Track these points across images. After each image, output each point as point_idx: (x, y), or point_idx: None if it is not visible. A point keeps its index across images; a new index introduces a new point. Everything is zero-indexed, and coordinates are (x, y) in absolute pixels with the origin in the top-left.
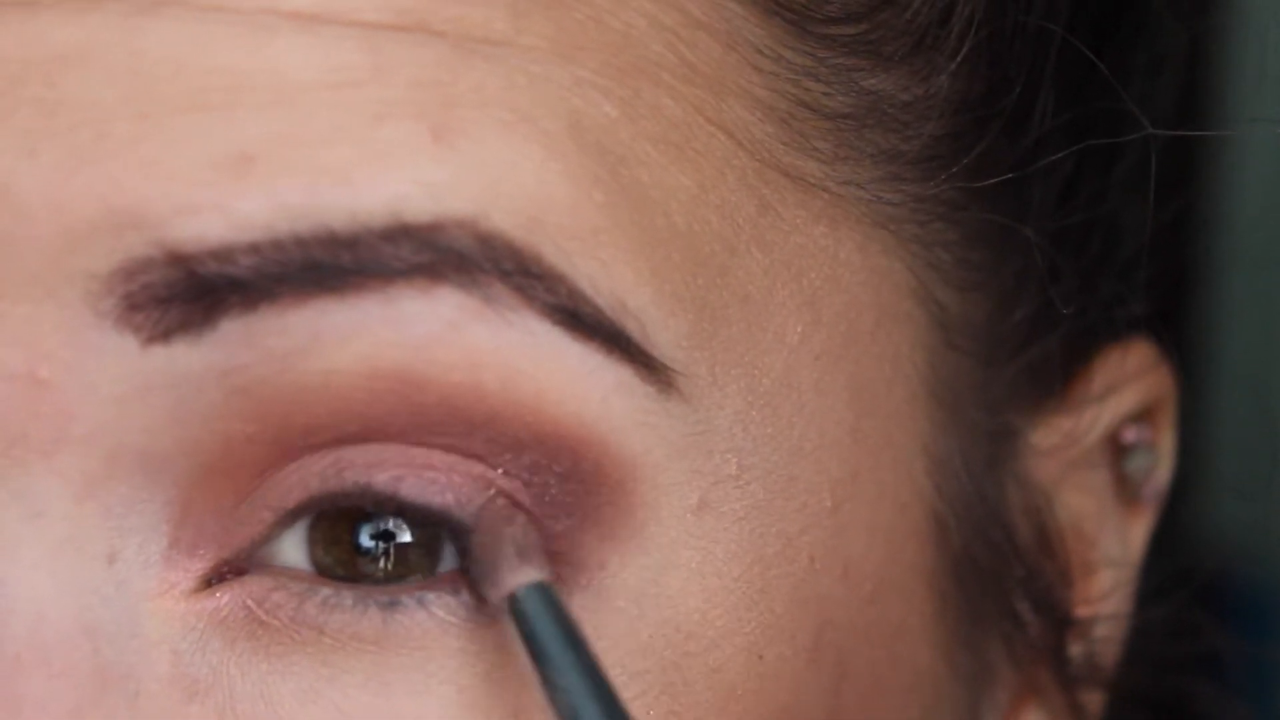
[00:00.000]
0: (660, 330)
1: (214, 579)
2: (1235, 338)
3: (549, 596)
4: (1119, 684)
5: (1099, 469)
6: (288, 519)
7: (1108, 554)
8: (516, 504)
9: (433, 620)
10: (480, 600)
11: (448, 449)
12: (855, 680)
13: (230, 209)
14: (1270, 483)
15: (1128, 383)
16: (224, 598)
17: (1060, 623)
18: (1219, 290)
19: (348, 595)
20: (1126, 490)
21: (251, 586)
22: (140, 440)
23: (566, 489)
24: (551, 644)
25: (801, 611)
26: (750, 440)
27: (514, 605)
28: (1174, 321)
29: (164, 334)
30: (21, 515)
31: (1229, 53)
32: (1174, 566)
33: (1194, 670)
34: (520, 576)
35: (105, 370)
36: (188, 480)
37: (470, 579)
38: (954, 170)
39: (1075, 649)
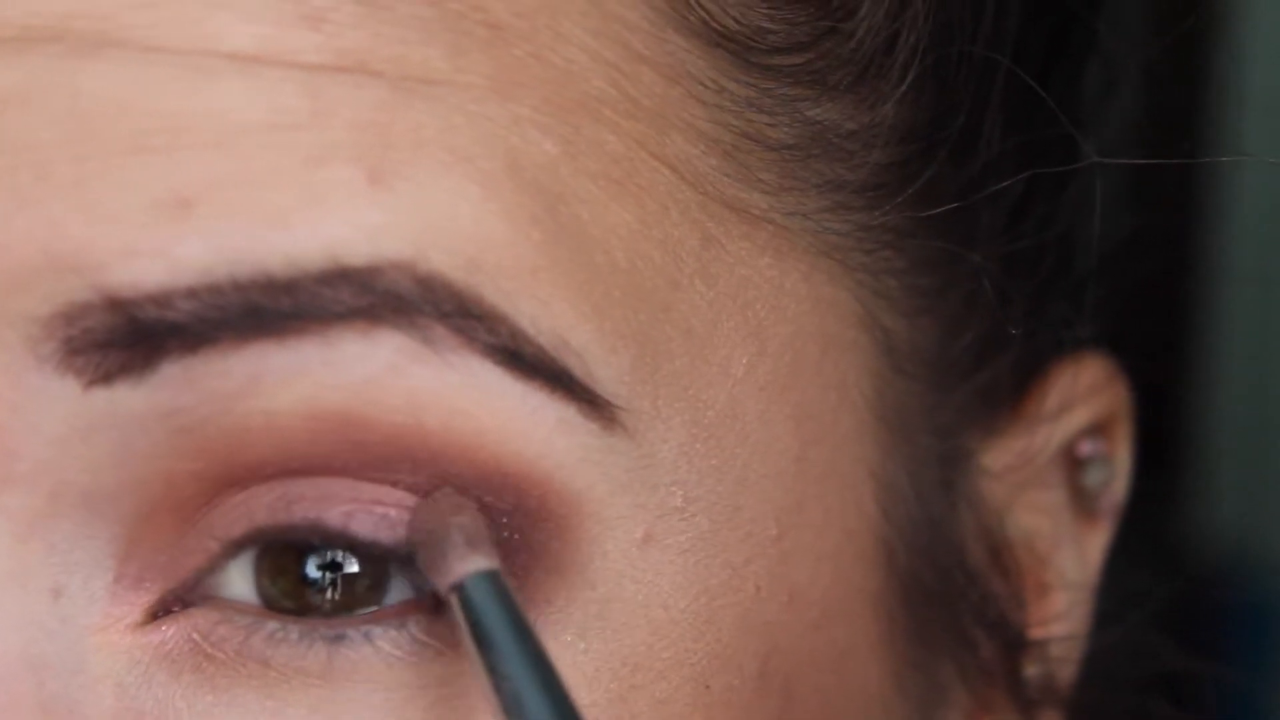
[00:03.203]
0: (602, 367)
1: (160, 612)
2: (1235, 339)
3: (497, 584)
4: (1081, 702)
5: (1053, 487)
6: (233, 549)
7: (1063, 573)
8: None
9: (378, 655)
10: (428, 630)
11: (394, 485)
12: (803, 705)
13: (169, 253)
14: (1270, 483)
15: (1080, 398)
16: (169, 630)
17: (1013, 643)
18: (1219, 293)
19: (294, 629)
20: (1083, 505)
21: (197, 619)
22: (83, 479)
23: (511, 526)
24: (497, 632)
25: (748, 640)
26: (695, 473)
27: (461, 593)
28: (1173, 325)
29: (105, 377)
30: None
31: (1214, 72)
32: (1166, 576)
33: (1180, 683)
34: (468, 565)
35: (47, 412)
36: (132, 516)
37: (417, 567)
38: (900, 198)
39: (1031, 669)
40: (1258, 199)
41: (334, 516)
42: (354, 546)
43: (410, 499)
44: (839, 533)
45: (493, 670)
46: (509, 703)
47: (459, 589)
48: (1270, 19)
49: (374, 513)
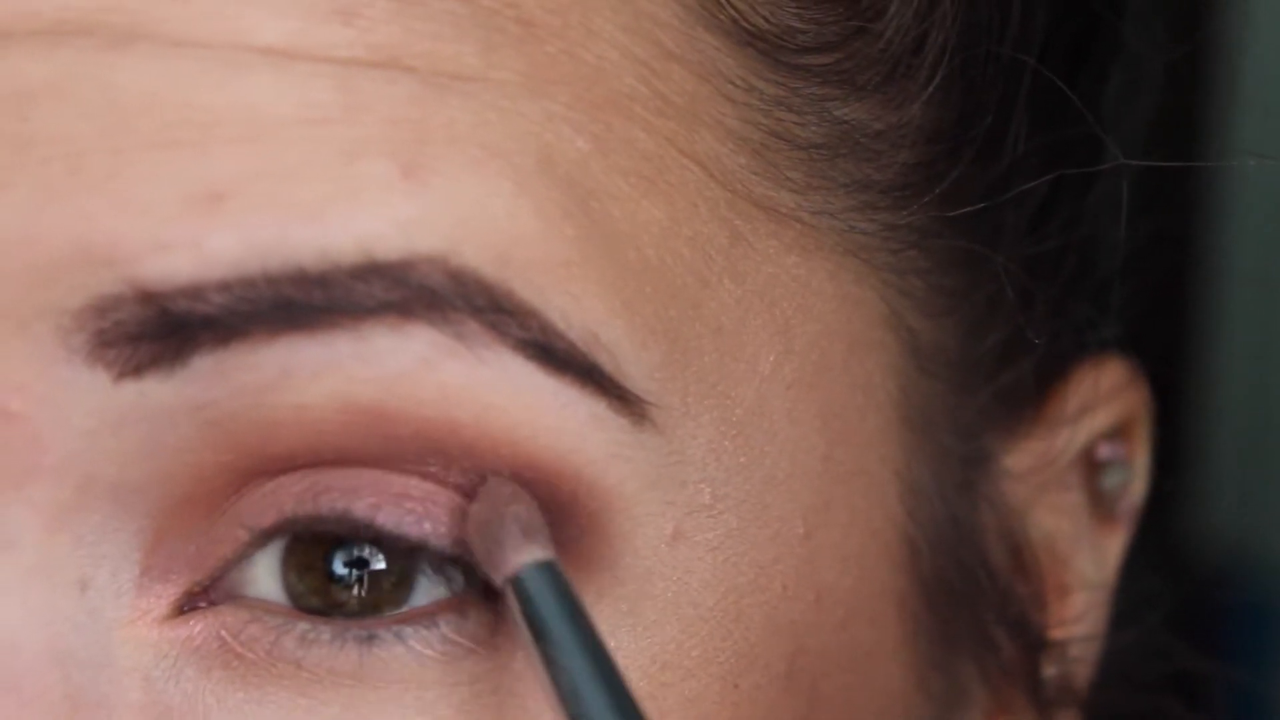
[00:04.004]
0: (633, 363)
1: (187, 605)
2: (1235, 339)
3: (554, 575)
4: (1096, 702)
5: (1073, 489)
6: (261, 539)
7: (1082, 575)
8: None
9: (410, 654)
10: (458, 628)
11: (425, 477)
12: (828, 705)
13: (201, 246)
14: (1270, 483)
15: (1101, 401)
16: (197, 626)
17: (1033, 644)
18: (1219, 294)
19: (325, 630)
20: (1102, 507)
21: (226, 617)
22: (112, 471)
23: (546, 520)
24: (555, 623)
25: (775, 639)
26: (723, 470)
27: (518, 585)
28: (1173, 327)
29: (135, 370)
30: None
31: (1222, 77)
32: (1166, 578)
33: (1182, 684)
34: (524, 555)
35: (77, 404)
36: (160, 509)
37: (464, 560)
38: (927, 199)
39: (1049, 670)
40: (1258, 199)
41: (361, 508)
42: (380, 540)
43: (440, 492)
44: (865, 532)
45: (550, 662)
46: (567, 695)
47: (515, 580)
48: (1271, 20)
49: (401, 506)
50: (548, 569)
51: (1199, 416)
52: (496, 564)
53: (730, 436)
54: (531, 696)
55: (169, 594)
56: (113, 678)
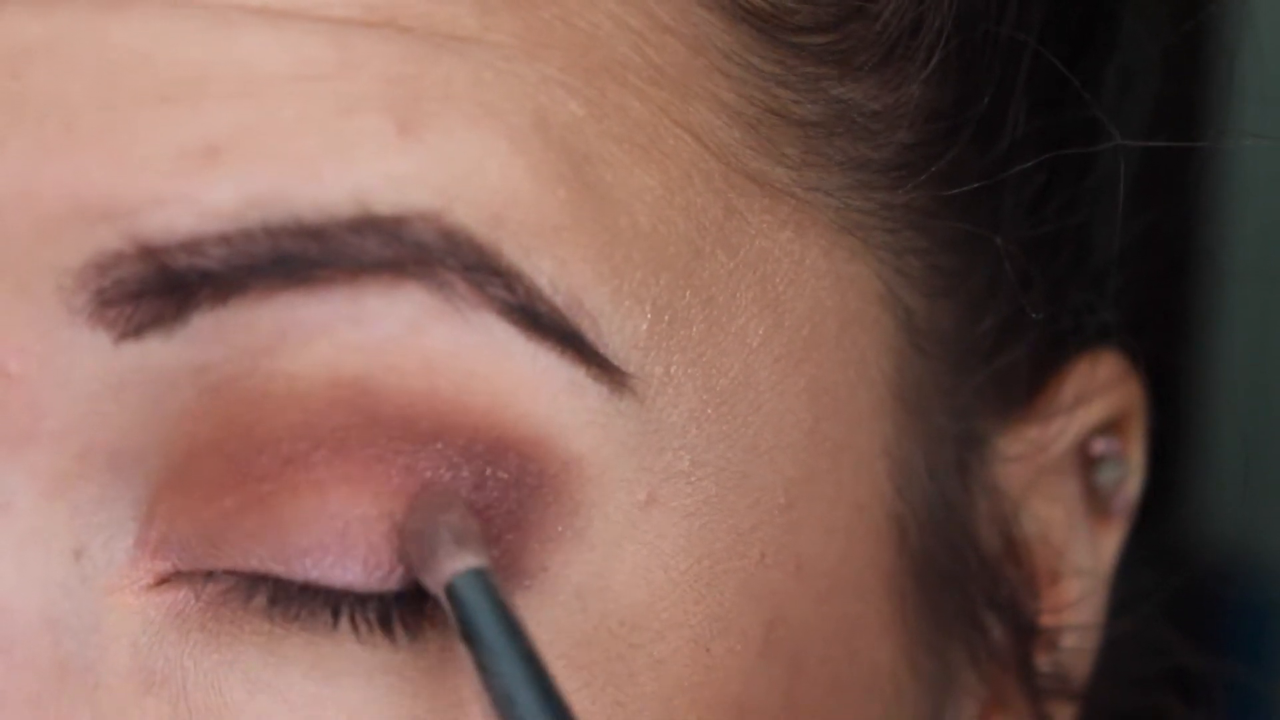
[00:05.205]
0: (615, 330)
1: (172, 574)
2: (1235, 339)
3: (486, 583)
4: (1093, 697)
5: (1068, 482)
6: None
7: (1076, 562)
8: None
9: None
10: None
11: (385, 485)
12: (811, 677)
13: (199, 200)
14: (1270, 483)
15: (1096, 393)
16: (180, 591)
17: (1025, 630)
18: (1219, 291)
19: (298, 588)
20: (1096, 503)
21: (206, 584)
22: (111, 438)
23: (511, 497)
24: (488, 631)
25: (751, 606)
26: (704, 438)
27: (451, 592)
28: (1173, 323)
29: (136, 330)
30: None
31: (1223, 62)
32: (1165, 575)
33: (1179, 680)
34: (457, 563)
35: (78, 367)
36: (156, 480)
37: (407, 567)
38: (924, 179)
39: (1043, 660)
40: (1259, 196)
41: (332, 569)
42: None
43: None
44: (851, 507)
45: (484, 668)
46: (500, 700)
47: (449, 588)
48: (1273, 12)
49: (355, 553)
50: (479, 576)
51: (1199, 414)
52: (431, 571)
53: (713, 405)
54: None
55: (158, 569)
56: (101, 644)
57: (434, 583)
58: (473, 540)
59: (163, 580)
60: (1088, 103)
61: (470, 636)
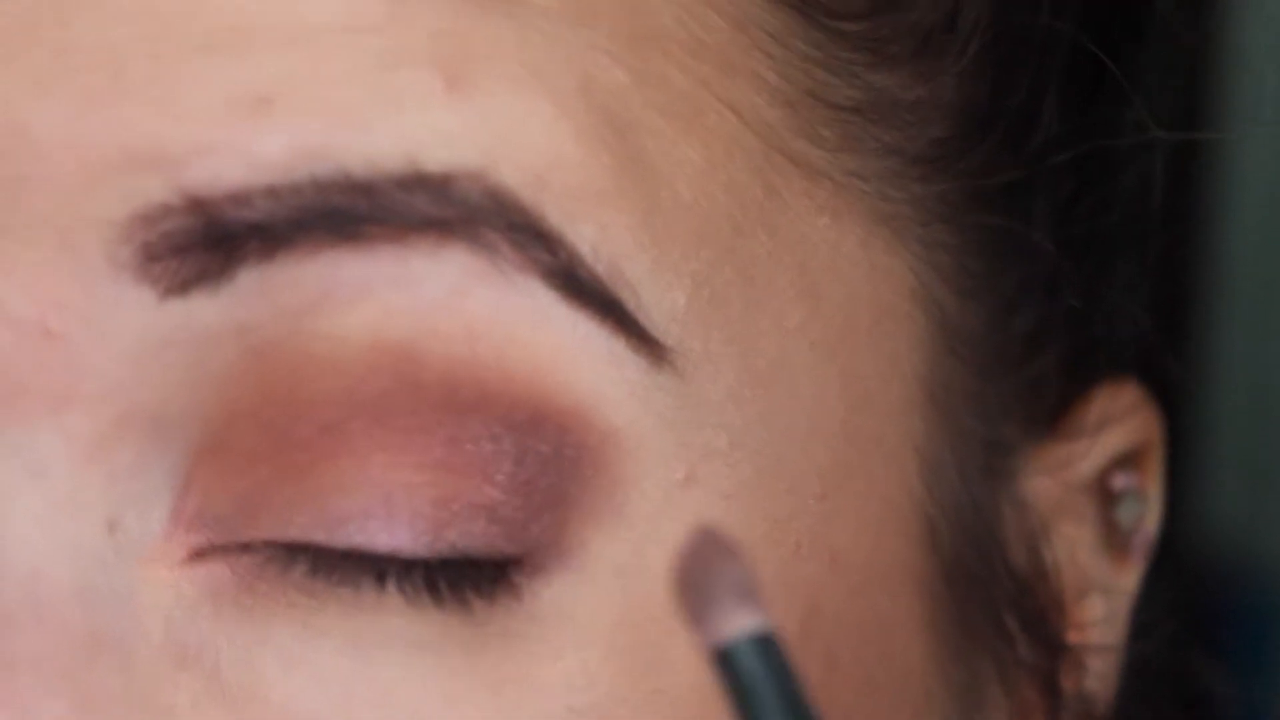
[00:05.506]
0: (655, 301)
1: (207, 549)
2: (1235, 339)
3: (770, 650)
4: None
5: (1091, 509)
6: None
7: (1101, 582)
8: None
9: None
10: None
11: (425, 457)
12: (845, 674)
13: (248, 150)
14: (1270, 483)
15: (1118, 420)
16: (215, 565)
17: (1051, 646)
18: (1219, 291)
19: (337, 558)
20: (1116, 539)
21: (242, 557)
22: (153, 402)
23: (551, 470)
24: (768, 709)
25: (787, 595)
26: (742, 418)
27: (728, 657)
28: (1173, 323)
29: (181, 286)
30: (21, 471)
31: (1229, 59)
32: (1166, 575)
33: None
34: (735, 622)
35: (121, 325)
36: (194, 447)
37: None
38: (957, 173)
39: (1069, 681)
40: (1259, 197)
41: (378, 534)
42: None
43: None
44: (882, 502)
45: None
46: None
47: (726, 652)
48: (1273, 13)
49: (400, 517)
50: (763, 643)
51: (1199, 416)
52: (705, 626)
53: (750, 385)
54: (541, 640)
55: (192, 542)
56: (134, 616)
57: (707, 640)
58: (753, 596)
59: (197, 554)
60: (1129, 95)
61: (747, 709)
